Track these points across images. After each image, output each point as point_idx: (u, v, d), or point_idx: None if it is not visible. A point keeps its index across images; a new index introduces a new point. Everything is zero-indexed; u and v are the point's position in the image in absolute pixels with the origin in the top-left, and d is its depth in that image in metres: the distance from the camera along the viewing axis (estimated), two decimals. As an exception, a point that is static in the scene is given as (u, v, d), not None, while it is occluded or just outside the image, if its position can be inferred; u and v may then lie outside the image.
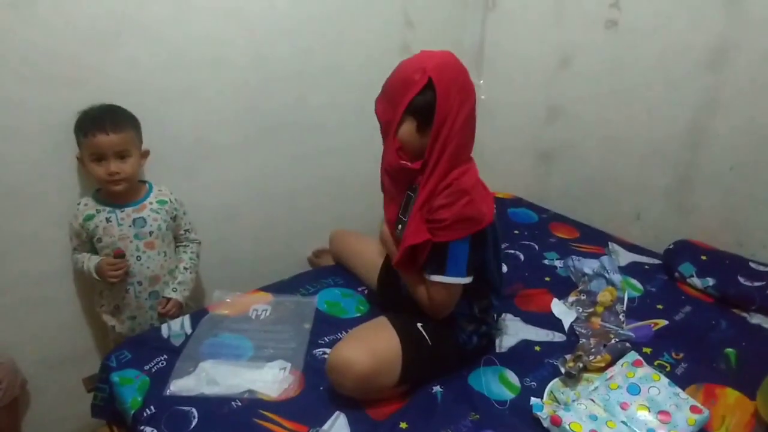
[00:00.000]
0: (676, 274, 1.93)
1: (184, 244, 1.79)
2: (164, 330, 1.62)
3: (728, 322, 1.73)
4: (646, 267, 2.03)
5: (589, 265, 1.88)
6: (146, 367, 1.47)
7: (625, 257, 2.07)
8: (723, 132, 1.95)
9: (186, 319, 1.66)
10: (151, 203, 1.67)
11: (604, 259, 1.90)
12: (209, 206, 1.93)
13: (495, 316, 1.64)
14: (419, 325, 1.50)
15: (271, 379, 1.44)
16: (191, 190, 1.82)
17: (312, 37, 2.00)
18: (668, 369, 1.54)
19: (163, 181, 1.75)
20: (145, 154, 1.66)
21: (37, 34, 1.48)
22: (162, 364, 1.49)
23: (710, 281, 1.85)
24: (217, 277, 2.02)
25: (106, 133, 1.51)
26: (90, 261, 1.62)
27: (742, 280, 1.80)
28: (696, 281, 1.88)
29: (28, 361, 1.71)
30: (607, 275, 1.82)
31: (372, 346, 1.42)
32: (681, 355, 1.60)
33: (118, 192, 1.59)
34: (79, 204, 1.63)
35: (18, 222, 1.60)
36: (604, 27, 2.16)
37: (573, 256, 1.99)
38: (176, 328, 1.63)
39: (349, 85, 2.16)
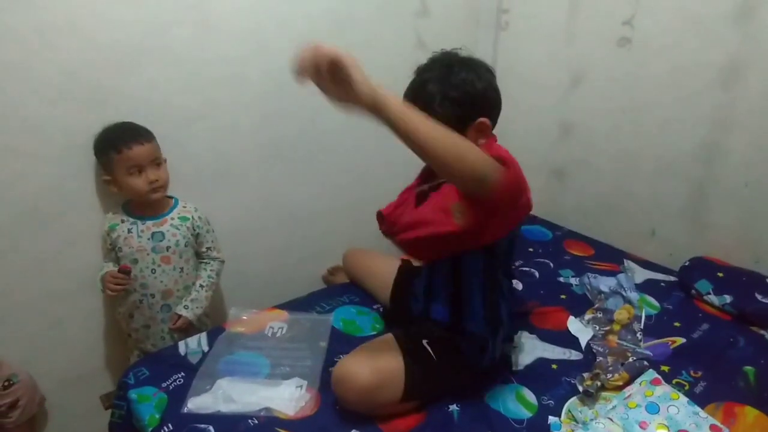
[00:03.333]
0: (693, 292, 1.92)
1: (205, 261, 1.81)
2: (181, 347, 1.63)
3: (746, 339, 1.71)
4: (662, 284, 2.02)
5: (605, 283, 1.88)
6: (164, 385, 1.48)
7: (641, 274, 2.06)
8: (737, 148, 1.95)
9: (203, 337, 1.67)
10: (172, 218, 1.71)
11: (621, 276, 1.89)
12: (225, 225, 1.95)
13: (505, 332, 1.61)
14: (425, 342, 1.50)
15: (288, 397, 1.44)
16: (208, 209, 1.84)
17: (325, 59, 2.03)
18: (687, 387, 1.53)
19: (179, 196, 1.78)
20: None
21: (60, 56, 1.52)
22: (179, 381, 1.50)
23: (727, 298, 1.83)
24: (232, 295, 2.03)
25: (141, 143, 1.57)
26: (102, 270, 1.66)
27: (759, 297, 1.78)
28: (713, 298, 1.86)
29: (46, 379, 1.73)
30: (624, 293, 1.81)
31: (374, 361, 1.43)
32: (699, 373, 1.58)
33: (156, 200, 1.65)
34: (107, 213, 1.70)
35: (38, 241, 1.63)
36: (617, 45, 2.17)
37: (589, 274, 1.98)
38: (193, 345, 1.64)
39: (362, 105, 2.18)
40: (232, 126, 1.89)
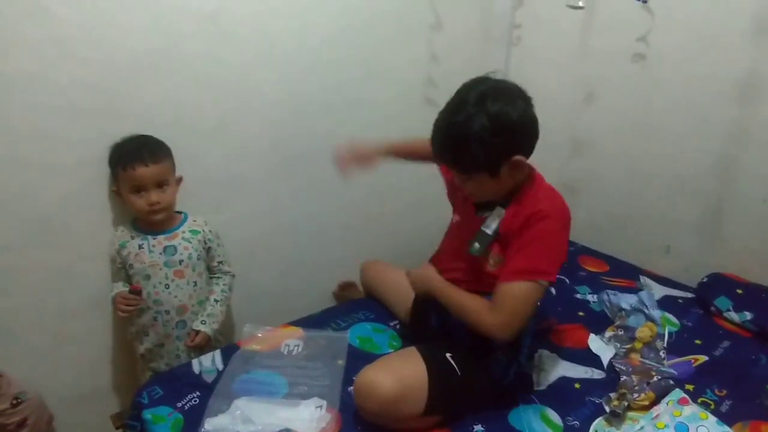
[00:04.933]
0: (712, 308, 1.90)
1: (217, 275, 1.77)
2: (195, 366, 1.59)
3: (768, 357, 1.69)
4: (680, 301, 1.99)
5: (626, 300, 1.85)
6: (179, 404, 1.44)
7: (658, 291, 2.04)
8: (754, 164, 1.94)
9: (217, 355, 1.63)
10: (183, 232, 1.67)
11: (643, 294, 1.86)
12: (236, 239, 1.91)
13: (528, 349, 1.60)
14: (448, 355, 1.48)
15: (308, 418, 1.40)
16: (219, 222, 1.81)
17: (341, 74, 2.02)
18: (712, 407, 1.50)
19: (191, 210, 1.75)
20: (179, 181, 1.67)
21: (76, 68, 1.49)
22: (195, 401, 1.46)
23: (748, 315, 1.81)
24: (244, 311, 2.00)
25: (145, 164, 1.53)
26: (113, 291, 1.63)
27: (781, 314, 1.76)
28: (733, 315, 1.84)
29: (55, 397, 1.68)
30: (646, 311, 1.78)
31: (398, 371, 1.40)
32: (724, 392, 1.55)
33: (158, 221, 1.61)
34: (116, 230, 1.65)
35: (48, 255, 1.60)
36: (631, 61, 2.17)
37: (608, 291, 1.95)
38: (207, 363, 1.60)
39: (376, 118, 2.16)
40: (244, 138, 1.86)
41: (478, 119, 1.28)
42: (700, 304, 1.96)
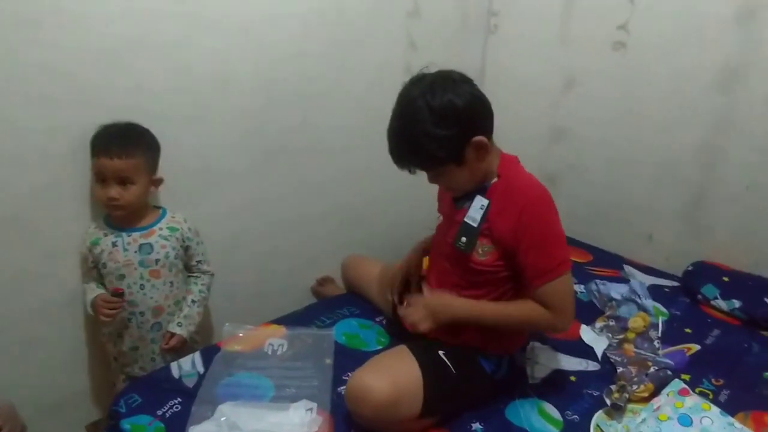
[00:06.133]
0: (699, 297, 1.89)
1: (195, 275, 1.67)
2: (174, 369, 1.48)
3: (760, 345, 1.69)
4: (666, 290, 1.98)
5: (616, 290, 1.82)
6: (159, 412, 1.33)
7: (643, 280, 2.02)
8: (737, 152, 1.94)
9: (197, 357, 1.53)
10: (161, 229, 1.55)
11: (635, 283, 1.84)
12: (212, 235, 1.79)
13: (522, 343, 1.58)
14: (441, 353, 1.42)
15: (299, 422, 1.31)
16: (194, 218, 1.69)
17: (318, 60, 1.93)
18: (711, 396, 1.48)
19: (166, 205, 1.64)
20: (157, 182, 1.55)
21: (42, 54, 1.37)
22: (176, 408, 1.35)
23: (736, 303, 1.81)
24: (222, 310, 1.89)
25: (110, 157, 1.42)
26: (90, 294, 1.50)
27: (768, 301, 1.77)
28: (721, 303, 1.84)
29: (26, 405, 1.53)
30: (638, 300, 1.76)
31: (392, 374, 1.34)
32: (721, 381, 1.54)
33: (119, 217, 1.51)
34: (88, 228, 1.53)
35: (15, 254, 1.46)
36: (612, 48, 2.15)
37: (596, 281, 1.93)
38: (187, 367, 1.50)
39: (354, 107, 2.09)
40: (221, 128, 1.76)
41: (425, 116, 1.25)
42: (686, 292, 1.95)
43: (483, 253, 1.38)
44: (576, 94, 2.30)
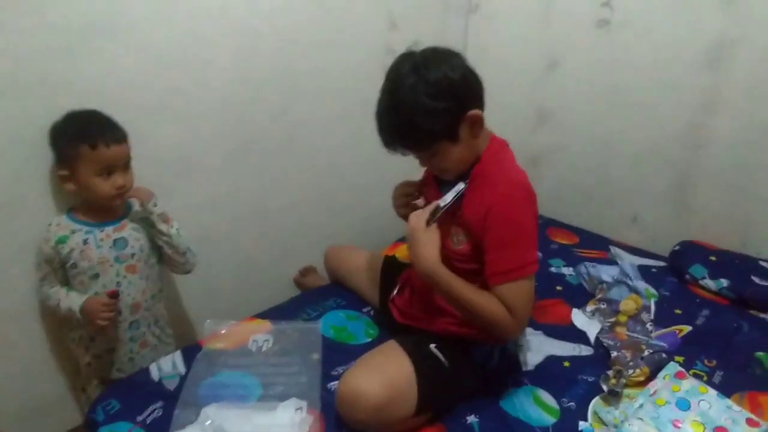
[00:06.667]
0: (687, 277, 1.88)
1: None
2: (154, 371, 1.41)
3: (750, 324, 1.68)
4: (653, 270, 1.97)
5: (606, 272, 1.80)
6: (140, 418, 1.26)
7: (630, 261, 2.00)
8: (724, 131, 1.92)
9: (177, 357, 1.46)
10: (131, 221, 1.46)
11: (625, 265, 1.82)
12: (188, 228, 1.68)
13: None
14: (432, 346, 1.38)
15: (289, 422, 1.25)
16: (171, 210, 1.60)
17: (295, 41, 1.84)
18: (705, 378, 1.47)
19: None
20: None
21: (2, 38, 1.26)
22: (158, 413, 1.28)
23: (724, 282, 1.80)
24: (203, 306, 1.82)
25: (119, 142, 1.34)
26: (70, 299, 1.38)
27: (756, 280, 1.76)
28: (709, 283, 1.83)
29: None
30: (630, 282, 1.73)
31: (383, 373, 1.28)
32: (714, 362, 1.53)
33: (118, 206, 1.43)
34: (50, 225, 1.39)
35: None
36: (596, 26, 2.10)
37: (586, 263, 1.90)
38: (167, 368, 1.42)
39: (334, 90, 2.01)
40: (195, 114, 1.66)
41: (420, 90, 1.19)
42: (673, 272, 1.94)
43: (457, 242, 1.34)
44: (559, 73, 2.25)
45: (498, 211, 1.25)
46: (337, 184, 2.16)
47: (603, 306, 1.70)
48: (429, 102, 1.19)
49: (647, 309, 1.65)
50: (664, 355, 1.47)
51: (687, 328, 1.66)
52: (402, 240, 2.02)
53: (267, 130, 1.86)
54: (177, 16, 1.53)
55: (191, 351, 1.48)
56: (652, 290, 1.81)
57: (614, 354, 1.49)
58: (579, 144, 2.28)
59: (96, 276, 1.40)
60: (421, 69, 1.20)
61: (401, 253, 1.89)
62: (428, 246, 1.28)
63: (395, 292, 1.59)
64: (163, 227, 1.46)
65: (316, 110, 1.99)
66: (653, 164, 2.10)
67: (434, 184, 1.43)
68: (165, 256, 1.52)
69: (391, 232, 2.03)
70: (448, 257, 1.33)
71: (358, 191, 2.24)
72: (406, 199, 1.51)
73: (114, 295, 1.37)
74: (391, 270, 1.69)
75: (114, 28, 1.42)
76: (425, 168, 1.45)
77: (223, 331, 1.55)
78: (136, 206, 1.49)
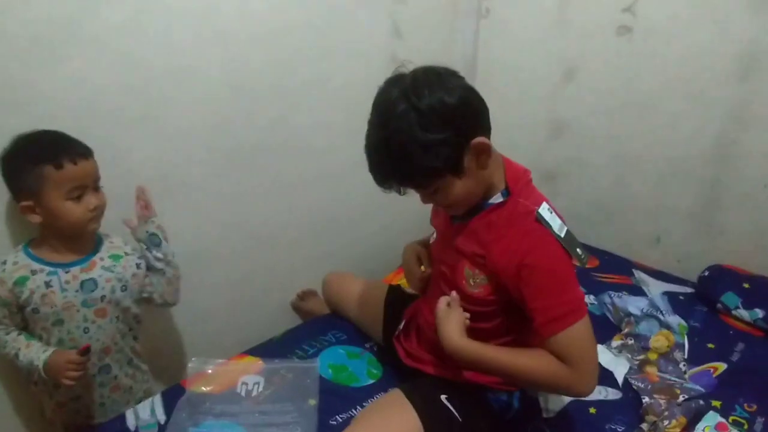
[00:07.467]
0: (719, 306, 1.73)
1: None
2: (130, 419, 1.26)
3: (790, 360, 1.53)
4: (681, 297, 1.81)
5: (634, 304, 1.64)
6: (112, 477, 1.12)
7: (655, 286, 1.85)
8: (755, 147, 1.78)
9: (157, 402, 1.31)
10: (102, 259, 1.29)
11: (656, 298, 1.66)
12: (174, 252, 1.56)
13: None
14: (443, 397, 1.23)
15: (280, 483, 1.11)
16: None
17: (292, 48, 1.70)
18: (746, 426, 1.32)
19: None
20: None
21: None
22: (133, 470, 1.14)
23: (759, 313, 1.66)
24: (188, 339, 1.66)
25: (86, 157, 1.19)
26: (32, 351, 1.19)
27: (795, 310, 1.60)
28: (743, 313, 1.68)
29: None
30: (661, 317, 1.58)
31: None
32: (754, 407, 1.38)
33: (93, 231, 1.26)
34: (5, 263, 1.21)
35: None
36: (616, 34, 1.96)
37: (610, 292, 1.74)
38: (145, 415, 1.27)
39: (335, 101, 1.86)
40: (178, 128, 1.50)
41: (413, 120, 1.02)
42: (703, 300, 1.78)
43: (474, 284, 1.18)
44: (577, 84, 2.10)
45: (533, 263, 1.08)
46: (338, 202, 2.00)
47: (630, 342, 1.54)
48: (422, 135, 1.02)
49: (680, 347, 1.50)
50: (701, 402, 1.31)
51: (722, 366, 1.51)
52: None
53: (260, 144, 1.70)
54: (155, 21, 1.38)
55: (173, 394, 1.34)
56: (685, 324, 1.65)
57: (646, 401, 1.33)
58: (597, 159, 2.13)
59: (60, 322, 1.22)
60: (412, 95, 1.02)
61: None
62: (451, 323, 1.15)
63: (400, 327, 1.44)
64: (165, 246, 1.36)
65: (314, 122, 1.84)
66: (678, 182, 1.96)
67: (445, 212, 1.27)
68: (155, 286, 1.37)
69: (396, 252, 1.87)
70: (465, 302, 1.18)
71: (360, 208, 2.08)
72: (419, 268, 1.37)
73: (85, 352, 1.18)
74: (397, 302, 1.53)
75: (84, 33, 1.27)
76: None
77: (209, 371, 1.39)
78: (107, 241, 1.33)
